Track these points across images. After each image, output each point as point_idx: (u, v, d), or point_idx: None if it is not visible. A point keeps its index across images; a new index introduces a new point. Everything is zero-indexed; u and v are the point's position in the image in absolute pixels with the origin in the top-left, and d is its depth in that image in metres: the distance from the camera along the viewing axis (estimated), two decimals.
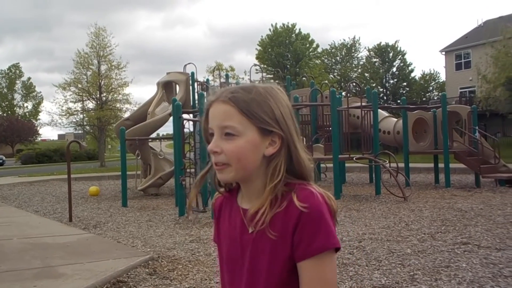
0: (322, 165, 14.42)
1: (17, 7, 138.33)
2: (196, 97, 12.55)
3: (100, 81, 30.20)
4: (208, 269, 4.77)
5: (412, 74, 50.02)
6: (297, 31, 44.17)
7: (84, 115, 32.15)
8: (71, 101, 31.32)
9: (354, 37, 58.15)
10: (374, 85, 45.35)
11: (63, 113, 31.58)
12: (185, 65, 13.33)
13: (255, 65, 18.71)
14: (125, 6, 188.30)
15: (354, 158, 10.57)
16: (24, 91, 65.56)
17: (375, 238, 5.96)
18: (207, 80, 15.31)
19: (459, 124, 12.63)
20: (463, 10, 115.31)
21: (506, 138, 27.90)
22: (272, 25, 44.66)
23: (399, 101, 41.97)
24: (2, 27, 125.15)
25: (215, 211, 1.24)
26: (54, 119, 32.74)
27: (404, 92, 47.94)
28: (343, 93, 15.16)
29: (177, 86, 12.91)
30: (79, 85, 30.62)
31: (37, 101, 66.33)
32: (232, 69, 36.32)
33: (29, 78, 66.59)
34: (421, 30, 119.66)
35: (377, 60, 49.74)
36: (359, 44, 53.16)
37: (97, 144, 33.67)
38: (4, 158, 44.39)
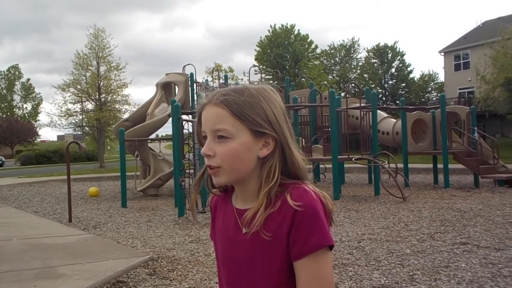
0: (321, 166, 14.43)
1: (16, 9, 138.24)
2: (195, 98, 12.57)
3: (99, 82, 30.18)
4: (208, 269, 4.77)
5: (411, 75, 50.06)
6: (296, 32, 44.18)
7: (83, 116, 32.13)
8: (70, 102, 31.31)
9: (353, 38, 58.24)
10: (373, 86, 45.38)
11: (62, 114, 31.57)
12: (184, 66, 13.35)
13: (254, 66, 18.74)
14: (124, 8, 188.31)
15: (353, 159, 10.58)
16: (23, 92, 65.51)
17: (374, 239, 5.97)
18: (206, 81, 15.33)
19: (458, 125, 12.65)
20: (462, 11, 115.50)
21: (505, 138, 27.96)
22: (271, 26, 44.72)
23: (398, 101, 41.97)
24: (1, 28, 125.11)
25: (211, 209, 1.25)
26: (53, 120, 32.73)
27: (403, 92, 47.98)
28: (342, 94, 15.17)
29: (176, 87, 12.92)
30: (78, 86, 30.59)
31: (36, 102, 66.28)
32: (231, 70, 36.35)
33: (28, 79, 66.57)
34: (420, 31, 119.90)
35: (376, 61, 49.76)
36: (358, 45, 53.25)
37: (97, 145, 33.64)
38: (3, 159, 44.36)
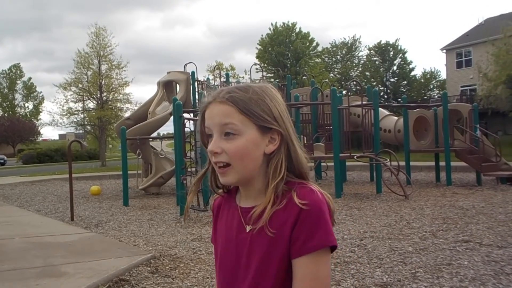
0: (323, 164, 14.42)
1: (17, 8, 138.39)
2: (197, 96, 12.56)
3: (101, 80, 30.22)
4: (210, 267, 4.77)
5: (413, 73, 50.02)
6: (297, 30, 44.13)
7: (85, 114, 32.19)
8: (71, 101, 31.40)
9: (355, 36, 58.02)
10: (374, 83, 45.30)
11: (64, 113, 31.64)
12: (186, 65, 13.35)
13: (256, 64, 18.72)
14: (125, 6, 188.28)
15: (355, 157, 10.57)
16: (25, 91, 65.65)
17: (376, 236, 5.97)
18: (208, 79, 15.31)
19: (460, 122, 12.63)
20: (464, 8, 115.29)
21: (507, 136, 27.87)
22: (272, 24, 44.69)
23: (399, 99, 41.92)
24: (2, 27, 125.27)
25: (214, 211, 1.24)
26: (55, 119, 32.81)
27: (404, 90, 47.90)
28: (344, 92, 15.16)
29: (178, 85, 12.92)
30: (80, 85, 30.66)
31: (38, 101, 66.44)
32: (233, 68, 36.35)
33: (29, 78, 66.72)
34: (422, 29, 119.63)
35: (378, 58, 49.70)
36: (360, 42, 53.12)
37: (98, 143, 33.72)
38: (5, 158, 44.47)
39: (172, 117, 10.32)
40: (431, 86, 51.53)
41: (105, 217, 8.53)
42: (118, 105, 31.31)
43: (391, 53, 48.95)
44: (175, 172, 9.63)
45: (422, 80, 50.92)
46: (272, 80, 30.28)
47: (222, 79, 16.08)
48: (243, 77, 35.07)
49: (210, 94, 1.11)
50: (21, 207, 10.34)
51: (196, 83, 12.92)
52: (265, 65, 41.14)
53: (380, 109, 12.18)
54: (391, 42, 49.18)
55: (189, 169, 9.50)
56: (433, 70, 52.47)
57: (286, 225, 1.03)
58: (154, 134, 13.20)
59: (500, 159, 11.73)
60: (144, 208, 9.54)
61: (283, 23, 44.31)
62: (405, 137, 11.99)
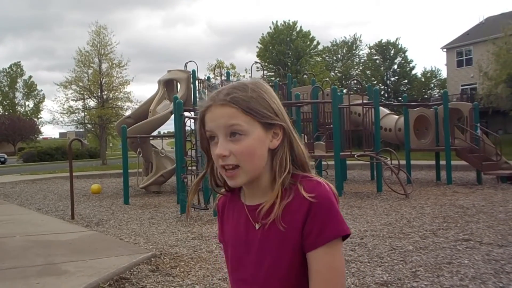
0: (323, 163, 14.42)
1: (17, 6, 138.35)
2: (197, 95, 12.55)
3: (101, 79, 30.20)
4: (210, 266, 4.78)
5: (413, 72, 49.91)
6: (298, 29, 44.09)
7: (86, 113, 32.17)
8: (72, 100, 31.37)
9: (355, 35, 58.05)
10: (375, 82, 45.24)
11: (65, 112, 31.64)
12: (186, 63, 13.35)
13: (256, 62, 18.70)
14: (126, 5, 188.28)
15: (355, 156, 10.57)
16: (25, 90, 65.64)
17: (377, 235, 5.97)
18: (208, 78, 15.31)
19: (460, 121, 12.62)
20: (465, 7, 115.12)
21: (507, 135, 27.86)
22: (273, 22, 44.68)
23: (400, 98, 41.88)
24: (3, 25, 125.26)
25: (218, 211, 1.24)
26: (55, 118, 32.80)
27: (405, 89, 47.82)
28: (344, 91, 15.14)
29: (178, 84, 12.92)
30: (80, 84, 30.63)
31: (39, 99, 66.41)
32: (233, 67, 36.32)
33: (30, 77, 66.71)
34: (422, 27, 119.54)
35: (378, 57, 49.61)
36: (360, 41, 53.03)
37: (99, 142, 33.71)
38: (6, 156, 44.48)
39: (172, 115, 10.32)
40: (432, 85, 51.44)
41: (106, 216, 8.53)
42: (119, 103, 31.30)
43: (392, 52, 48.86)
44: (176, 171, 9.63)
45: (423, 79, 50.83)
46: (273, 79, 30.27)
47: (223, 78, 16.06)
48: (243, 76, 35.06)
49: (207, 97, 1.10)
50: (21, 206, 10.35)
51: (196, 82, 12.92)
52: (266, 63, 41.11)
53: (381, 108, 12.17)
54: (391, 41, 49.12)
55: (189, 168, 9.50)
56: (433, 69, 52.40)
57: (297, 219, 1.04)
58: (155, 133, 13.20)
59: (501, 158, 11.73)
60: (145, 207, 9.54)
61: (284, 22, 44.28)
62: (405, 136, 11.98)
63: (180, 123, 9.32)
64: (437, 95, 41.94)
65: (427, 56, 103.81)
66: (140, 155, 12.20)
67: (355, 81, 19.96)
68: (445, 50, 38.72)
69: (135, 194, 11.73)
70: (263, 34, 45.08)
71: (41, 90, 68.54)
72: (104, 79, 30.31)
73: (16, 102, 65.53)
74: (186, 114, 9.64)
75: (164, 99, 12.72)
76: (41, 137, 63.66)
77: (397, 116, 13.11)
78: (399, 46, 48.85)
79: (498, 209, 7.68)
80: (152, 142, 13.09)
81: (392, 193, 9.75)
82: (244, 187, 1.14)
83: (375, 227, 6.49)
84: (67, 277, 4.31)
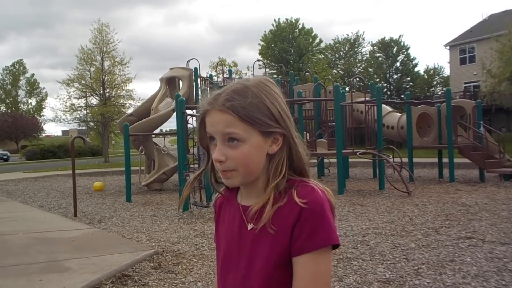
0: (325, 160, 14.41)
1: (20, 4, 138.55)
2: (200, 92, 12.55)
3: (104, 77, 30.21)
4: (213, 263, 4.78)
5: (416, 69, 49.79)
6: (300, 26, 44.01)
7: (88, 111, 32.19)
8: (74, 97, 31.38)
9: (358, 32, 57.88)
10: (378, 80, 45.18)
11: (67, 109, 31.65)
12: (188, 61, 13.34)
13: (258, 60, 18.68)
14: (127, 3, 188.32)
15: (357, 153, 10.56)
16: (28, 88, 65.69)
17: (379, 233, 5.96)
18: (210, 75, 15.31)
19: (463, 119, 12.58)
20: (468, 4, 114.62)
21: (511, 132, 27.76)
22: (275, 20, 44.52)
23: (403, 96, 41.83)
24: (5, 23, 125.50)
25: (216, 210, 1.24)
26: (58, 115, 32.81)
27: (408, 87, 47.74)
28: (347, 88, 15.11)
29: (181, 81, 12.91)
30: (83, 81, 30.63)
31: (41, 97, 66.47)
32: (235, 65, 36.27)
33: (32, 75, 66.74)
34: (425, 25, 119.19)
35: (381, 55, 49.49)
36: (363, 39, 52.90)
37: (101, 140, 33.74)
38: (8, 154, 44.60)
39: (175, 113, 10.32)
40: (435, 83, 51.32)
41: (108, 213, 8.55)
42: (121, 101, 31.30)
43: (395, 49, 48.74)
44: (178, 168, 9.64)
45: (426, 77, 50.70)
46: (275, 76, 30.25)
47: (225, 76, 16.05)
48: (245, 74, 35.02)
49: (207, 99, 1.09)
50: (24, 203, 10.38)
51: (199, 80, 12.91)
52: (268, 61, 41.03)
53: (383, 105, 12.15)
54: (394, 38, 49.00)
55: (191, 165, 9.50)
56: (436, 66, 52.27)
57: (288, 223, 1.03)
58: (157, 131, 13.20)
59: (504, 156, 11.69)
60: (147, 204, 9.56)
61: (286, 19, 44.19)
62: (408, 133, 11.96)
63: (182, 121, 9.32)
64: (440, 93, 41.87)
65: (430, 54, 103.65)
66: (142, 153, 12.21)
67: (357, 79, 19.94)
68: (448, 47, 38.59)
69: (137, 192, 11.75)
70: (265, 31, 45.05)
71: (44, 88, 68.58)
72: (106, 77, 30.32)
73: (19, 100, 65.58)
74: (188, 111, 9.64)
75: (166, 97, 12.72)
76: (43, 135, 63.75)
77: (399, 114, 13.08)
78: (402, 43, 48.74)
79: (501, 207, 7.67)
80: (154, 139, 13.10)
81: (395, 191, 9.74)
82: (241, 187, 1.14)
83: (377, 225, 6.48)
84: (69, 274, 4.33)
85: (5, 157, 42.74)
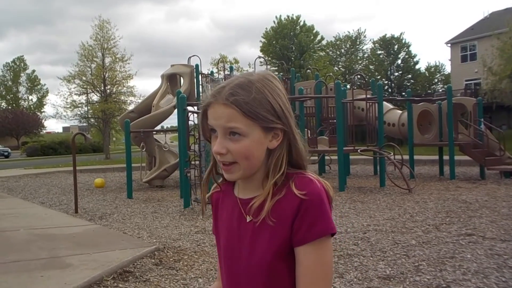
0: (326, 157, 14.41)
1: (21, 0, 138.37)
2: (201, 89, 12.54)
3: (105, 73, 30.20)
4: (214, 259, 4.79)
5: (417, 66, 49.70)
6: (301, 23, 43.94)
7: (89, 107, 32.20)
8: (75, 94, 31.38)
9: (359, 29, 57.67)
10: (379, 77, 45.11)
11: (68, 106, 31.66)
12: (190, 58, 13.32)
13: (260, 57, 18.65)
14: None
15: (358, 150, 10.56)
16: (28, 84, 65.60)
17: (379, 230, 5.97)
18: (212, 72, 15.30)
19: (464, 116, 12.58)
20: (469, 2, 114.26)
21: (511, 130, 27.75)
22: (276, 17, 44.51)
23: (404, 93, 41.76)
24: (6, 20, 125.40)
25: (213, 204, 1.26)
26: (58, 112, 32.82)
27: (409, 84, 47.65)
28: (348, 86, 15.11)
29: (182, 78, 12.90)
30: (84, 78, 30.63)
31: (42, 93, 66.40)
32: (237, 62, 36.29)
33: (33, 71, 66.60)
34: (427, 22, 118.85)
35: (382, 52, 49.40)
36: (364, 36, 52.78)
37: (102, 136, 33.75)
38: (9, 150, 44.59)
39: (176, 110, 10.32)
40: (436, 80, 51.24)
41: (109, 210, 8.57)
42: (122, 98, 31.30)
43: (396, 46, 48.65)
44: (179, 165, 9.64)
45: (427, 74, 50.62)
46: (277, 73, 30.21)
47: (226, 72, 16.04)
48: (247, 71, 34.99)
49: (210, 91, 1.09)
50: (25, 200, 10.39)
51: (200, 76, 12.90)
52: (269, 58, 41.00)
53: (384, 102, 12.14)
54: (395, 36, 48.90)
55: (192, 162, 9.51)
56: (437, 64, 52.19)
57: (287, 215, 1.05)
58: (158, 127, 13.20)
59: (504, 153, 11.70)
60: (148, 201, 9.57)
61: (288, 16, 44.15)
62: (409, 131, 11.96)
63: (183, 117, 9.32)
64: (441, 90, 41.83)
65: (431, 51, 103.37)
66: (144, 150, 12.22)
67: (358, 76, 19.92)
68: (449, 45, 38.51)
69: (139, 188, 11.76)
70: (266, 28, 45.03)
71: (45, 85, 68.68)
72: (107, 74, 30.31)
73: (20, 96, 65.51)
74: (189, 108, 9.64)
75: (168, 94, 12.72)
76: (44, 131, 63.69)
77: (400, 111, 13.07)
78: (403, 41, 48.64)
79: (501, 204, 7.67)
80: (155, 136, 13.10)
81: (395, 188, 9.74)
82: (239, 180, 1.15)
83: (378, 222, 6.49)
84: (71, 270, 4.34)
85: (6, 153, 42.75)
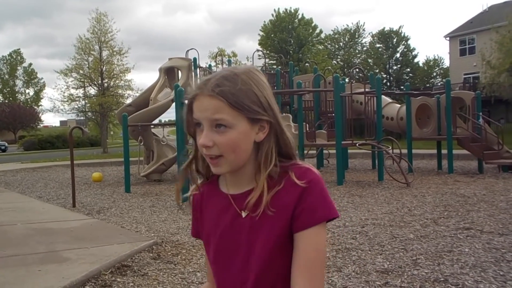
0: (325, 151, 14.41)
1: None
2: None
3: (102, 67, 30.08)
4: None
5: (416, 60, 49.71)
6: (300, 16, 43.82)
7: (86, 101, 32.12)
8: (72, 87, 31.31)
9: (358, 23, 57.55)
10: (377, 71, 45.08)
11: (65, 99, 31.59)
12: (187, 51, 13.29)
13: (258, 50, 18.60)
14: None
15: (357, 144, 10.55)
16: (25, 77, 65.38)
17: (378, 224, 5.98)
18: (210, 66, 15.27)
19: (462, 110, 12.58)
20: None
21: (510, 124, 27.77)
22: (274, 10, 44.38)
23: (402, 87, 41.72)
24: (2, 12, 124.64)
25: (195, 206, 1.23)
26: (56, 106, 32.80)
27: (407, 78, 47.68)
28: (347, 79, 15.07)
29: (179, 72, 12.86)
30: (81, 71, 30.53)
31: (39, 87, 66.19)
32: (235, 55, 36.18)
33: (30, 64, 66.36)
34: (425, 16, 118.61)
35: (381, 45, 49.35)
36: (363, 29, 52.68)
37: (100, 130, 33.71)
38: (6, 144, 44.53)
39: (173, 103, 10.29)
40: (434, 74, 51.28)
41: (107, 204, 8.55)
42: (120, 91, 31.23)
43: (394, 40, 48.60)
44: (177, 159, 9.62)
45: (425, 68, 50.64)
46: (275, 67, 30.13)
47: (224, 66, 16.00)
48: (245, 64, 34.88)
49: (196, 84, 1.08)
50: (22, 194, 10.37)
51: (198, 70, 12.86)
52: (268, 51, 40.90)
53: (383, 96, 12.13)
54: (394, 29, 48.81)
55: (190, 156, 9.50)
56: (436, 57, 52.21)
57: (288, 203, 1.06)
58: (156, 121, 13.17)
59: (502, 147, 11.70)
60: (146, 195, 9.56)
61: (286, 9, 44.00)
62: (407, 124, 11.95)
63: (181, 111, 9.29)
64: (439, 84, 41.80)
65: (430, 45, 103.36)
66: (141, 144, 12.19)
67: (357, 70, 19.89)
68: (448, 38, 38.46)
69: (136, 183, 11.75)
70: (264, 21, 44.90)
71: (42, 78, 68.36)
72: (104, 67, 30.19)
73: (16, 90, 65.30)
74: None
75: (165, 87, 12.67)
76: (41, 125, 63.57)
77: (399, 105, 13.06)
78: (402, 34, 48.58)
79: (499, 198, 7.68)
80: (153, 130, 13.07)
81: (394, 182, 9.75)
82: (228, 175, 1.14)
83: (376, 216, 6.50)
84: (68, 265, 4.33)
85: (2, 147, 42.68)
